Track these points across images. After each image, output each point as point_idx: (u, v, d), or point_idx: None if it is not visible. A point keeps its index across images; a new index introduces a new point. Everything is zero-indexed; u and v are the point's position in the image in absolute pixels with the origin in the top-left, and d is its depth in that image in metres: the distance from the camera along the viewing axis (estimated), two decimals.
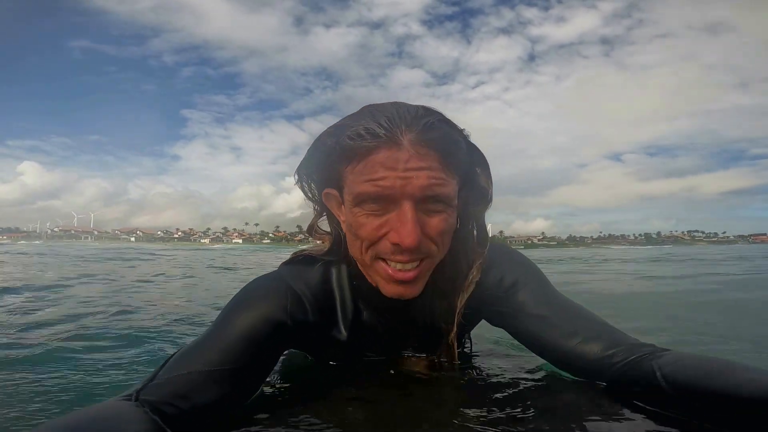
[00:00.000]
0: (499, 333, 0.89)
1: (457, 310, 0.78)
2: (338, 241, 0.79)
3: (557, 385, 0.75)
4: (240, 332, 0.67)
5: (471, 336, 1.00)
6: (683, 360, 0.61)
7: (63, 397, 1.00)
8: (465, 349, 0.97)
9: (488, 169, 0.75)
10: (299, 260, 0.82)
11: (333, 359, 0.86)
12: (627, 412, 0.61)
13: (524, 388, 0.75)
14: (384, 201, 0.65)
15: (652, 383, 0.60)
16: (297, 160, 0.76)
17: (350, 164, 0.66)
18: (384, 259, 0.69)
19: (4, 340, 1.55)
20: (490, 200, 0.76)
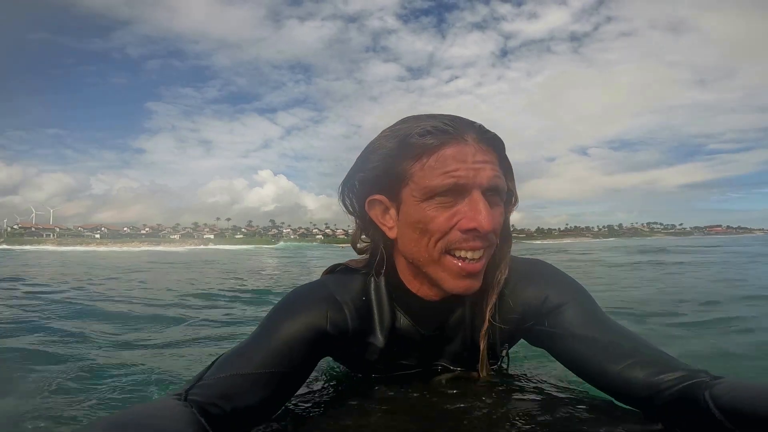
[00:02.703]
0: (540, 352, 0.86)
1: (488, 307, 0.79)
2: (376, 252, 0.81)
3: (597, 412, 0.70)
4: (282, 337, 0.71)
5: (509, 354, 0.93)
6: (741, 389, 0.56)
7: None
8: (501, 365, 0.92)
9: (512, 172, 0.78)
10: (340, 271, 0.86)
11: (369, 369, 0.86)
12: None
13: (558, 413, 0.69)
14: (455, 192, 0.69)
15: (706, 414, 0.56)
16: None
17: (419, 161, 0.70)
18: (452, 254, 0.72)
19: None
20: (516, 203, 0.79)
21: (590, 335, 0.74)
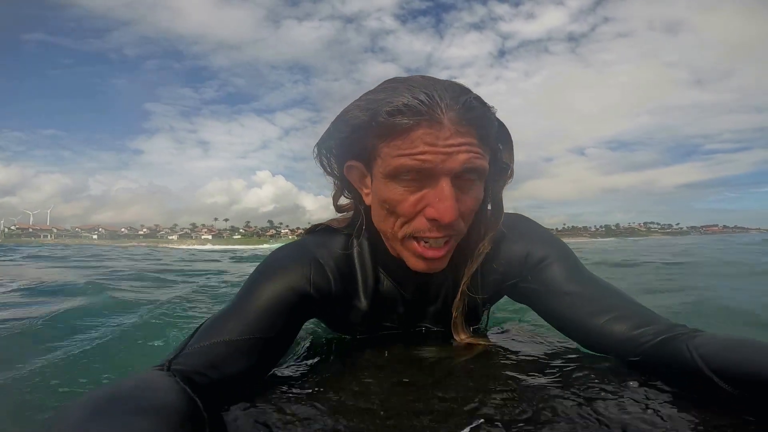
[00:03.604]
0: (523, 309, 0.82)
1: (463, 281, 0.78)
2: (358, 214, 0.80)
3: (578, 364, 0.70)
4: (265, 302, 0.69)
5: (490, 313, 0.94)
6: (721, 341, 0.57)
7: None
8: (480, 326, 0.90)
9: (511, 144, 0.76)
10: (321, 231, 0.84)
11: (352, 330, 0.85)
12: (657, 394, 0.57)
13: (537, 366, 0.71)
14: (422, 175, 0.65)
15: (689, 364, 0.56)
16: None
17: (387, 139, 0.66)
18: (416, 237, 0.70)
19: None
20: (512, 175, 0.76)
21: (572, 290, 0.74)
